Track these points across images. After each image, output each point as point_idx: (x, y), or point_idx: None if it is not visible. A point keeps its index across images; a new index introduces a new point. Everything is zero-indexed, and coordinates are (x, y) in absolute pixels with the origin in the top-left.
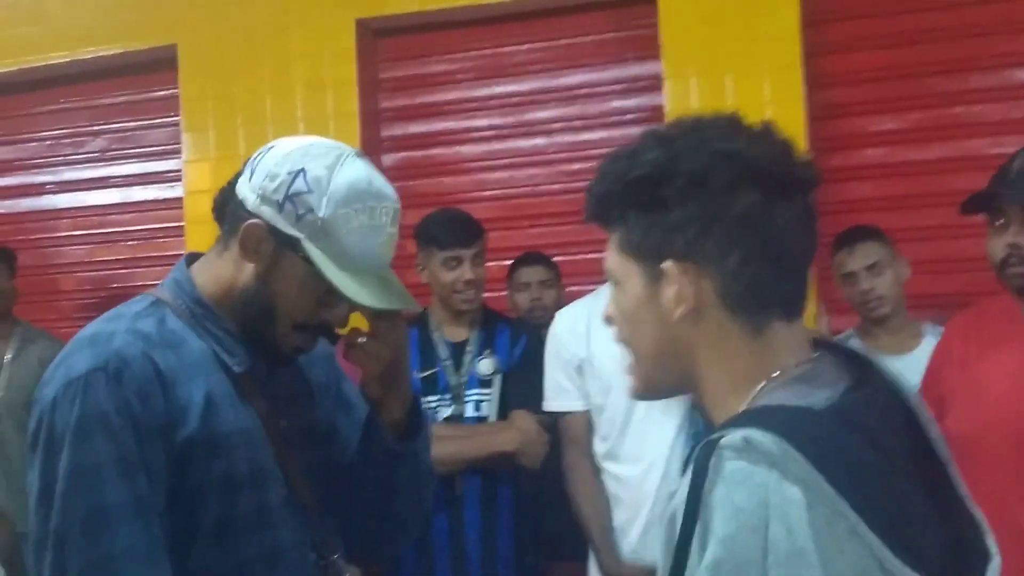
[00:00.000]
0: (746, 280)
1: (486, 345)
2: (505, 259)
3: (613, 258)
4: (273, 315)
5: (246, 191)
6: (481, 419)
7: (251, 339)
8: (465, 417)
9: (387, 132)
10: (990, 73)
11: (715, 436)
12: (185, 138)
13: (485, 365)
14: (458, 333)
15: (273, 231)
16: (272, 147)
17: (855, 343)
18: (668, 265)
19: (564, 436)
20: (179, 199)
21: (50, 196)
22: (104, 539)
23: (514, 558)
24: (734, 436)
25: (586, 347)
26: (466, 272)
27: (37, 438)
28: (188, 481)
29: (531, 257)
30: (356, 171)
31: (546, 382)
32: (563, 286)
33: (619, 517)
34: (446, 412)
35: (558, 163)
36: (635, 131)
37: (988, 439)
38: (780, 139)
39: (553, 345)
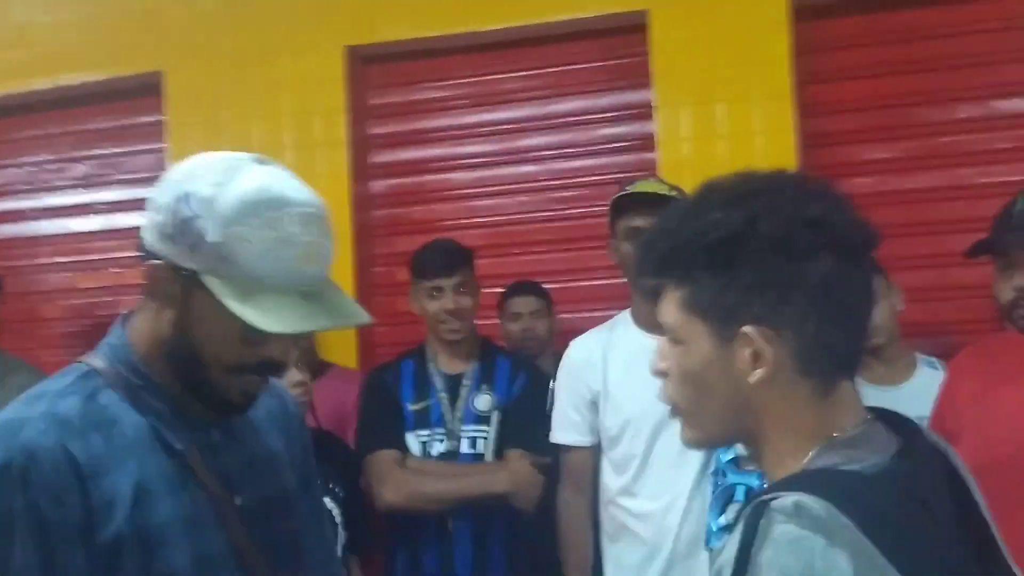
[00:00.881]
0: (823, 344)
1: (484, 379)
2: (496, 287)
3: (675, 315)
4: (201, 362)
5: (146, 231)
6: (477, 456)
7: (193, 395)
8: (461, 454)
9: (376, 159)
10: (977, 103)
11: (767, 498)
12: (171, 165)
13: (482, 401)
14: (455, 365)
15: (175, 269)
16: (165, 177)
17: None
18: (749, 330)
19: (564, 469)
20: None
21: (32, 222)
22: None
23: None
24: (785, 500)
25: (602, 380)
26: (447, 302)
27: None
28: None
29: (522, 287)
30: (250, 181)
31: (555, 413)
32: (555, 315)
33: (636, 554)
34: (440, 447)
35: (548, 191)
36: (626, 159)
37: (1003, 472)
38: (847, 201)
39: (567, 376)
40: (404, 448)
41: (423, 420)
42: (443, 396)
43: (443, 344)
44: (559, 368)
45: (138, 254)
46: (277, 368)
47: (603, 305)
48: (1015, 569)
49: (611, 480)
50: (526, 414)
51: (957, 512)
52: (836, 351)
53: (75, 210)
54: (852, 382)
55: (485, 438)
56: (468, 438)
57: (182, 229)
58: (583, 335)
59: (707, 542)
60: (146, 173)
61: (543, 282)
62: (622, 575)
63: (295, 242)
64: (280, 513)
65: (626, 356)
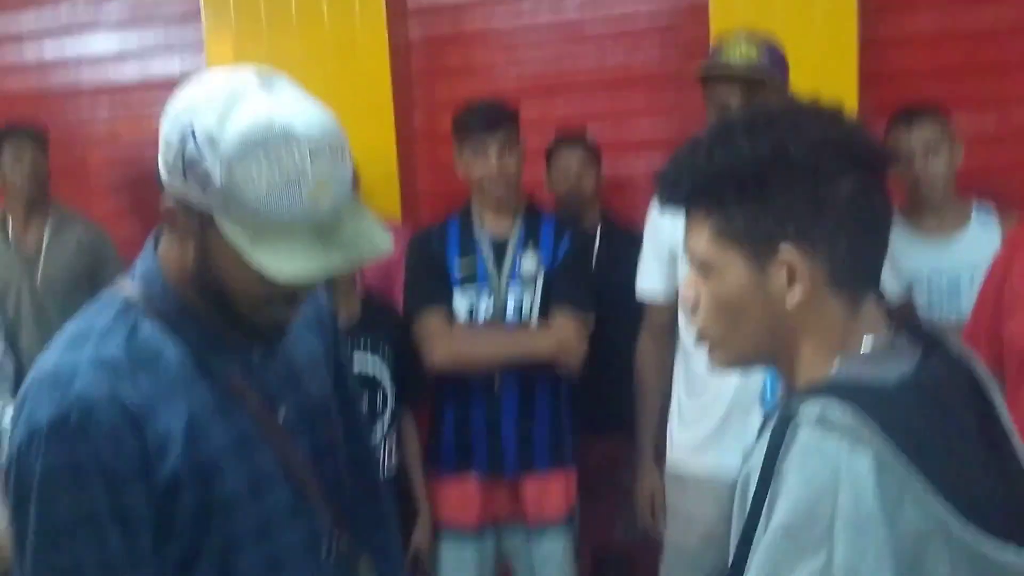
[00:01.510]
0: (853, 260)
1: (529, 240)
2: (538, 134)
3: (707, 246)
4: (229, 297)
5: (160, 164)
6: (522, 318)
7: (227, 324)
8: (506, 314)
9: (415, 3)
10: None
11: (793, 406)
12: (204, 6)
13: (528, 263)
14: (500, 226)
15: (188, 207)
16: (170, 103)
17: (899, 223)
18: (786, 248)
19: (646, 321)
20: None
21: (72, 70)
22: None
23: (549, 450)
24: (811, 408)
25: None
26: (492, 162)
27: (7, 480)
28: (180, 512)
29: (569, 139)
30: (252, 112)
31: (640, 265)
32: (602, 168)
33: (699, 401)
34: (486, 307)
35: (592, 39)
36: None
37: None
38: (860, 123)
39: (651, 230)
40: (451, 309)
41: (469, 281)
42: (488, 257)
43: (488, 205)
44: (646, 221)
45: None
46: (305, 298)
47: (652, 152)
48: None
49: (685, 334)
50: (571, 276)
51: (979, 421)
52: (864, 266)
53: (113, 59)
54: (876, 295)
55: (531, 300)
56: (514, 299)
57: (189, 168)
58: None
59: (762, 398)
60: (181, 12)
61: (590, 127)
62: (683, 423)
63: (305, 178)
64: (321, 419)
65: None
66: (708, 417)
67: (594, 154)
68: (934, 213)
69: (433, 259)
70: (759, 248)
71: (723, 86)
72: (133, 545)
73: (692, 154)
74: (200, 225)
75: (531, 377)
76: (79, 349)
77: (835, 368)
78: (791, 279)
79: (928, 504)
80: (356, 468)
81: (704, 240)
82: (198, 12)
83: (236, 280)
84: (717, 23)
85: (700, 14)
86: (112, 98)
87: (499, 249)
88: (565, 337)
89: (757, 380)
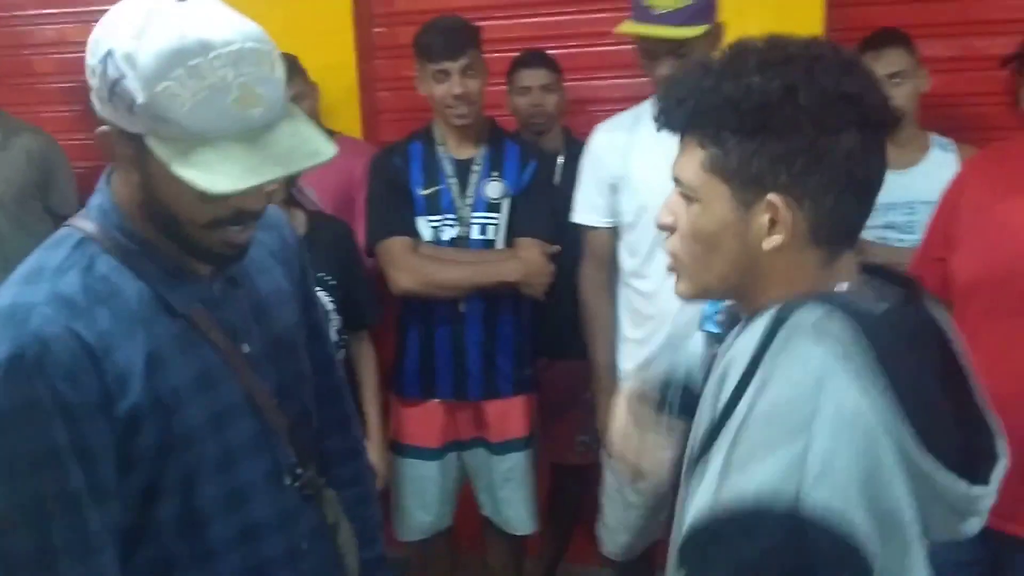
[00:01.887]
0: (838, 216)
1: (493, 166)
2: (501, 52)
3: (696, 174)
4: (177, 222)
5: (92, 93)
6: (487, 243)
7: (185, 252)
8: (471, 239)
9: None
10: None
11: (791, 305)
12: None
13: (493, 188)
14: (464, 150)
15: (121, 133)
16: (95, 28)
17: None
18: (774, 197)
19: (585, 248)
20: None
21: None
22: (37, 533)
23: (512, 372)
24: (809, 313)
25: (624, 165)
26: (455, 86)
27: None
28: (142, 445)
29: (531, 58)
30: (166, 28)
31: (577, 194)
32: (564, 87)
33: (639, 331)
34: (451, 233)
35: None
36: None
37: (1001, 286)
38: (876, 78)
39: (590, 160)
40: (416, 233)
41: (433, 205)
42: (452, 182)
43: (451, 128)
44: (584, 151)
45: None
46: (255, 215)
47: (613, 73)
48: (987, 415)
49: (625, 261)
50: (536, 202)
51: (944, 364)
52: (848, 223)
53: None
54: (853, 251)
55: (496, 225)
56: (478, 224)
57: (114, 92)
58: (608, 120)
59: (701, 324)
60: None
61: (551, 48)
62: (626, 348)
63: (227, 86)
64: (286, 352)
65: (648, 146)
66: (650, 343)
67: (555, 74)
68: (895, 143)
69: (396, 183)
70: (747, 188)
71: (648, 39)
72: (95, 479)
73: (700, 80)
74: (136, 150)
75: (495, 302)
76: (34, 285)
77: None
78: (772, 225)
79: (896, 428)
80: (324, 400)
81: (694, 168)
82: None
83: (179, 203)
84: None
85: None
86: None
87: (463, 174)
88: (531, 262)
89: (697, 306)
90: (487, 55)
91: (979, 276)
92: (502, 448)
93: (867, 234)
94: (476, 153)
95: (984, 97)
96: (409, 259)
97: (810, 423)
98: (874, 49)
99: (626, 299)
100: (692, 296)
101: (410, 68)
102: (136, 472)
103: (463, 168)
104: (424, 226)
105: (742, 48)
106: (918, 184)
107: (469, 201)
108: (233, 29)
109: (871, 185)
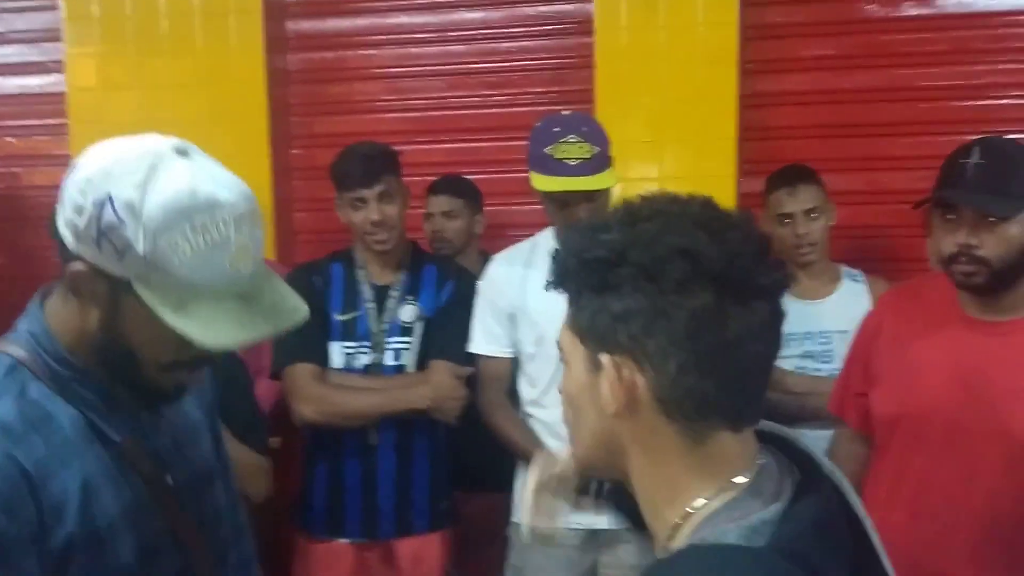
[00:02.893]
0: (685, 388)
1: (410, 290)
2: (420, 175)
3: (563, 333)
4: (135, 362)
5: (61, 226)
6: (399, 368)
7: (123, 387)
8: (384, 366)
9: (293, 27)
10: (922, 2)
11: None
12: (67, 27)
13: (407, 312)
14: (384, 275)
15: (99, 273)
16: (77, 166)
17: None
18: (604, 358)
19: (484, 376)
20: (62, 94)
21: None
22: None
23: (428, 506)
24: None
25: (522, 296)
26: (372, 212)
27: None
28: None
29: (438, 184)
30: (174, 182)
31: (475, 324)
32: (476, 212)
33: None
34: (364, 360)
35: (478, 74)
36: (561, 42)
37: (918, 425)
38: (750, 237)
39: (488, 290)
40: (325, 360)
41: (350, 332)
42: (371, 307)
43: (371, 253)
44: (480, 285)
45: (57, 247)
46: (212, 361)
47: (532, 198)
48: None
49: (526, 391)
50: (450, 323)
51: (855, 555)
52: (702, 399)
53: None
54: (739, 432)
55: (408, 349)
56: (392, 350)
57: (106, 235)
58: (505, 251)
59: None
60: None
61: (472, 172)
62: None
63: (229, 244)
64: (205, 485)
65: (544, 275)
66: None
67: (461, 201)
68: (808, 275)
69: (313, 305)
70: (595, 347)
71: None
72: None
73: (569, 235)
74: (111, 291)
75: (408, 430)
76: None
77: (693, 511)
78: (613, 391)
79: None
80: (232, 540)
81: (563, 327)
82: (59, 30)
83: (145, 346)
84: (602, 75)
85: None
86: None
87: (381, 300)
88: (442, 386)
89: None
90: (407, 179)
91: (899, 412)
92: None
93: (786, 364)
94: (395, 278)
95: (890, 229)
96: (313, 388)
97: None
98: (789, 185)
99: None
100: (577, 469)
101: (327, 189)
102: None
103: (381, 293)
104: (337, 352)
105: (627, 203)
106: (831, 314)
107: (384, 327)
108: (236, 190)
109: (735, 356)
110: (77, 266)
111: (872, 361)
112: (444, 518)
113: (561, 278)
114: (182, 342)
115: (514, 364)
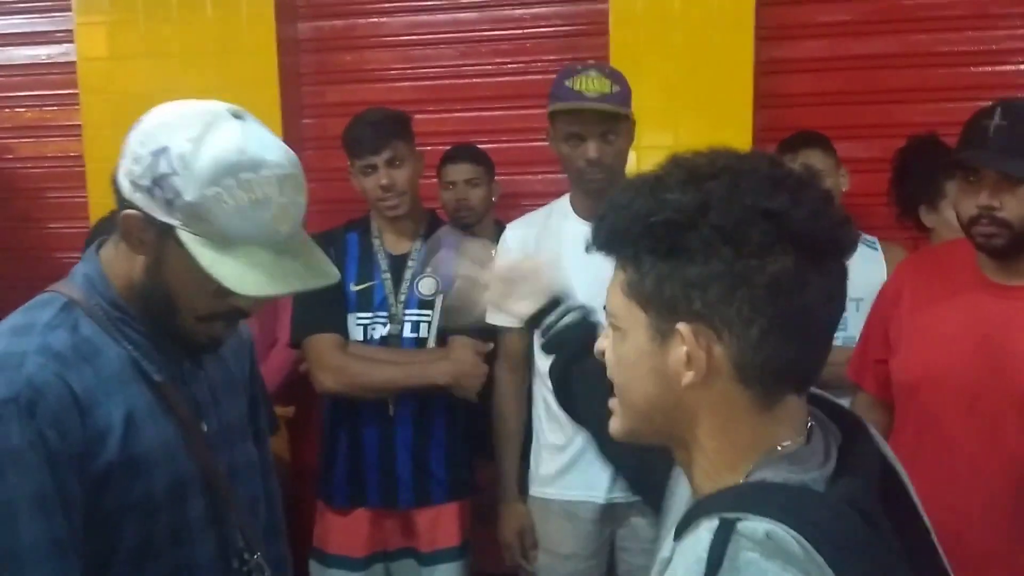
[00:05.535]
0: (765, 354)
1: (429, 261)
2: (433, 145)
3: (617, 299)
4: (174, 309)
5: (121, 176)
6: (419, 341)
7: (164, 335)
8: (403, 338)
9: None
10: None
11: (731, 517)
12: None
13: (426, 285)
14: (400, 245)
15: (150, 220)
16: (141, 121)
17: None
18: (682, 327)
19: (500, 350)
20: (72, 63)
21: None
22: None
23: (446, 477)
24: (755, 527)
25: None
26: (381, 177)
27: None
28: (105, 506)
29: (457, 152)
30: (226, 140)
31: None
32: (492, 180)
33: (560, 435)
34: (381, 331)
35: (488, 41)
36: (573, 9)
37: (938, 390)
38: (820, 195)
39: (503, 255)
40: (345, 331)
41: (365, 302)
42: (387, 277)
43: (386, 221)
44: (497, 252)
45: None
46: (245, 315)
47: (547, 168)
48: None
49: (541, 363)
50: None
51: (897, 519)
52: (783, 364)
53: None
54: (801, 395)
55: (428, 323)
56: (411, 322)
57: (159, 183)
58: (520, 220)
59: None
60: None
61: (484, 142)
62: (545, 454)
63: (270, 203)
64: (238, 437)
65: (560, 243)
66: (569, 449)
67: (481, 168)
68: None
69: None
70: (663, 315)
71: (577, 119)
72: (73, 528)
73: (622, 196)
74: (158, 238)
75: (427, 402)
76: (25, 337)
77: (749, 471)
78: (689, 360)
79: None
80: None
81: (616, 292)
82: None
83: (185, 293)
84: (616, 42)
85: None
86: None
87: (397, 270)
88: (463, 362)
89: None
90: (419, 148)
91: (919, 377)
92: (432, 559)
93: None
94: (412, 248)
95: None
96: (335, 358)
97: None
98: (792, 151)
99: (543, 402)
100: (622, 436)
101: (338, 159)
102: (93, 536)
103: (398, 263)
104: (354, 324)
105: (675, 162)
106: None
107: (402, 298)
108: (282, 153)
109: (813, 319)
110: (131, 212)
111: (892, 327)
112: (462, 488)
113: (612, 241)
114: (218, 292)
115: (530, 334)
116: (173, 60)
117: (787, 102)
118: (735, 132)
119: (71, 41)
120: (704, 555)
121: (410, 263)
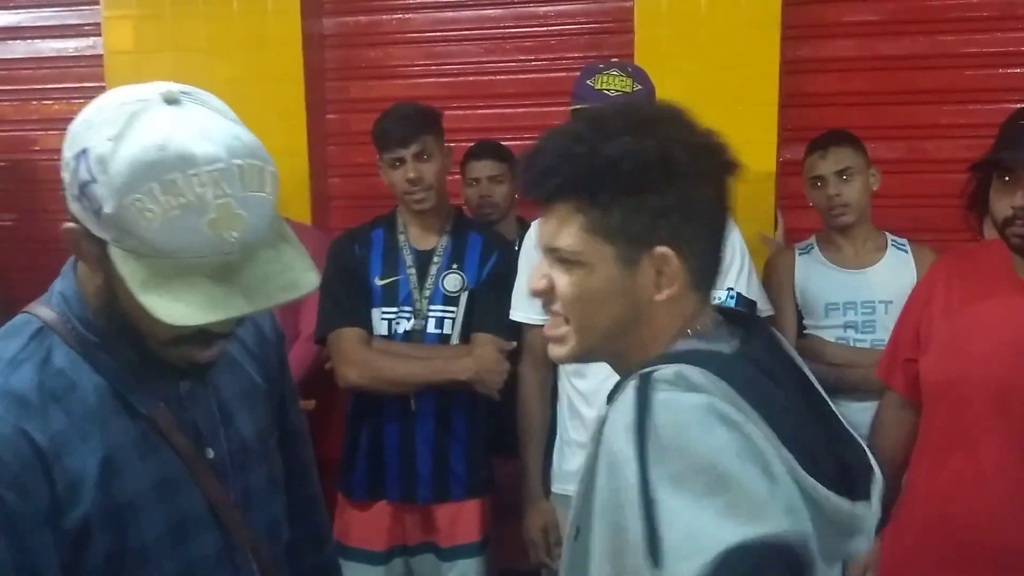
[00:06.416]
0: (709, 260)
1: (454, 257)
2: (456, 142)
3: (577, 239)
4: (138, 332)
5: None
6: (443, 337)
7: (144, 359)
8: (426, 333)
9: None
10: None
11: (647, 370)
12: None
13: (452, 281)
14: (426, 240)
15: (88, 234)
16: (76, 118)
17: (816, 253)
18: (663, 250)
19: (525, 346)
20: (99, 57)
21: None
22: None
23: (466, 474)
24: (666, 371)
25: None
26: (409, 171)
27: None
28: (91, 561)
29: (481, 149)
30: (146, 135)
31: (515, 290)
32: (515, 177)
33: (583, 433)
34: (405, 326)
35: (512, 39)
36: (599, 6)
37: (968, 390)
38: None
39: (528, 255)
40: (369, 326)
41: (390, 297)
42: (412, 273)
43: (412, 216)
44: (522, 247)
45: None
46: (224, 336)
47: None
48: (854, 434)
49: None
50: (495, 297)
51: (801, 389)
52: (716, 266)
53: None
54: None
55: (452, 319)
56: (435, 318)
57: (84, 193)
58: None
59: None
60: None
61: (507, 139)
62: (568, 450)
63: (204, 206)
64: (255, 458)
65: None
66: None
67: (505, 165)
68: (850, 242)
69: (353, 272)
70: (631, 245)
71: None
72: None
73: (571, 146)
74: (100, 254)
75: (449, 399)
76: None
77: (673, 346)
78: (659, 277)
79: (781, 455)
80: (298, 512)
81: (573, 234)
82: None
83: (140, 317)
84: (641, 39)
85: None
86: None
87: (423, 265)
88: (486, 360)
89: None
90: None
91: (950, 378)
92: (452, 554)
93: (827, 334)
94: (437, 243)
95: (934, 199)
96: (359, 352)
97: (717, 466)
98: (821, 149)
99: (567, 399)
100: (574, 358)
101: (362, 155)
102: None
103: (423, 259)
104: (378, 318)
105: (598, 113)
106: (875, 283)
107: (427, 293)
108: (222, 143)
109: (724, 227)
110: (69, 226)
111: (923, 326)
112: (482, 486)
113: (566, 187)
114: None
115: None
116: (199, 55)
117: (813, 101)
118: (760, 130)
119: (98, 35)
120: (632, 403)
121: (435, 258)
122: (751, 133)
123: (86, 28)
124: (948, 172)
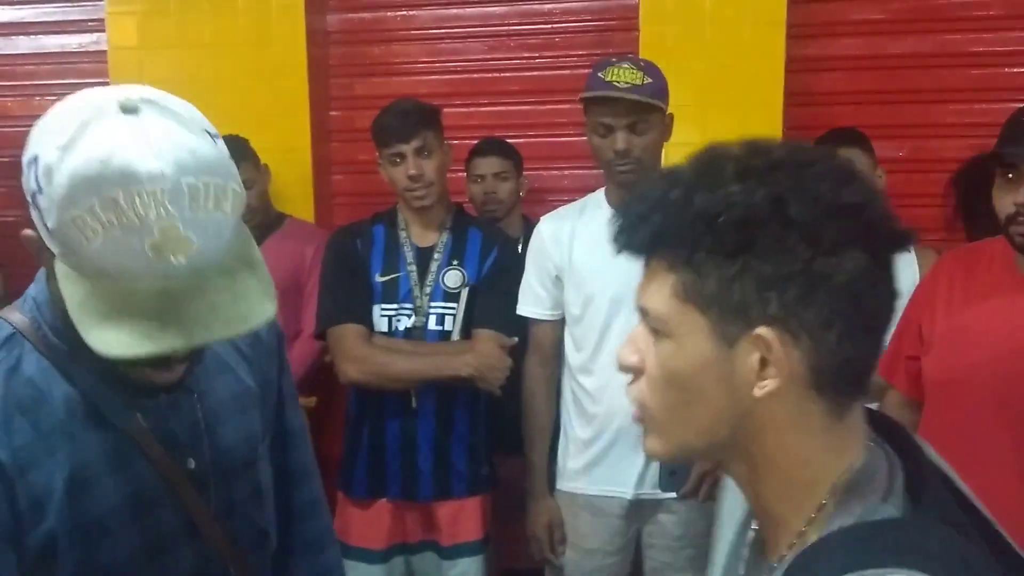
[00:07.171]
0: (844, 356)
1: (455, 253)
2: (460, 139)
3: (667, 304)
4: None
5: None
6: (444, 334)
7: (107, 378)
8: (427, 330)
9: None
10: None
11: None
12: None
13: (452, 278)
14: (426, 237)
15: (43, 243)
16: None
17: None
18: (764, 331)
19: (530, 341)
20: (103, 52)
21: None
22: None
23: (467, 472)
24: None
25: (568, 257)
26: (409, 167)
27: None
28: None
29: (486, 146)
30: (93, 146)
31: (522, 286)
32: (520, 175)
33: (588, 430)
34: (406, 323)
35: (517, 36)
36: (604, 3)
37: (971, 388)
38: (879, 191)
39: (535, 251)
40: (370, 322)
41: (390, 293)
42: (412, 269)
43: (413, 212)
44: (529, 243)
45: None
46: (182, 359)
47: (575, 163)
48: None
49: (572, 356)
50: (496, 292)
51: (977, 528)
52: (856, 366)
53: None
54: (862, 404)
55: (453, 315)
56: (436, 314)
57: (34, 202)
58: (554, 212)
59: (661, 484)
60: None
61: (512, 136)
62: (573, 447)
63: (147, 227)
64: (241, 467)
65: (593, 235)
66: (597, 443)
67: (509, 162)
68: None
69: (354, 267)
70: (730, 319)
71: (607, 110)
72: None
73: (667, 191)
74: (52, 264)
75: (450, 395)
76: None
77: (831, 491)
78: (763, 366)
79: None
80: (296, 517)
81: (663, 296)
82: None
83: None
84: (646, 37)
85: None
86: (2, 71)
87: (423, 262)
88: (487, 355)
89: None
90: (449, 140)
91: (953, 376)
92: (453, 552)
93: None
94: (438, 240)
95: (938, 198)
96: (360, 348)
97: None
98: (830, 147)
99: (572, 395)
100: (666, 456)
101: (365, 152)
102: None
103: (424, 256)
104: (378, 315)
105: (716, 154)
106: None
107: (427, 290)
108: (171, 159)
109: (881, 319)
110: (26, 233)
111: (925, 324)
112: (483, 483)
113: (659, 241)
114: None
115: (560, 327)
116: (203, 50)
117: (818, 100)
118: (765, 130)
119: (102, 30)
120: None
121: (436, 255)
122: (756, 131)
123: (90, 24)
124: (952, 171)
